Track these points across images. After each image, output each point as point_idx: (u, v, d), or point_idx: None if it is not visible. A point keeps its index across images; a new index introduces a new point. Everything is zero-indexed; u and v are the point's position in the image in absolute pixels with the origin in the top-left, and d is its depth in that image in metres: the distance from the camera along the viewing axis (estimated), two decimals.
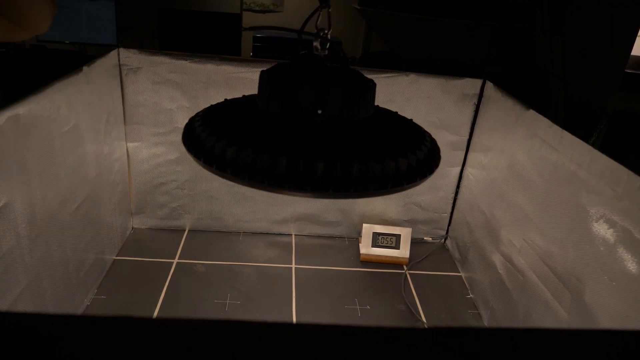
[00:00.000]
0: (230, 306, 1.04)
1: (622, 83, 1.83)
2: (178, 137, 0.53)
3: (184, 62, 1.10)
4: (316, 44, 0.53)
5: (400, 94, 1.16)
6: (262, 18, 3.01)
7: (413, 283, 1.18)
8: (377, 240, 1.24)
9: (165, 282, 1.09)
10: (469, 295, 1.16)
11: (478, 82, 1.16)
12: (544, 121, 0.90)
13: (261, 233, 1.32)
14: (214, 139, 0.46)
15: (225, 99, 0.57)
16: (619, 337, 0.21)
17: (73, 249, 0.92)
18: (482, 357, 0.19)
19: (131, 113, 1.14)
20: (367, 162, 0.44)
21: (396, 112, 0.60)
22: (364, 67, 1.04)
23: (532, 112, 0.94)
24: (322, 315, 1.05)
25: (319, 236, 1.33)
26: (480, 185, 1.16)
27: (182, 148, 0.49)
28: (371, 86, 0.53)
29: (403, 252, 1.24)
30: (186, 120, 0.53)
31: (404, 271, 1.22)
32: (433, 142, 0.54)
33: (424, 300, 1.12)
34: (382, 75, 1.13)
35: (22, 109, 0.71)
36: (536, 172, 0.91)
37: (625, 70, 1.84)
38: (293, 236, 1.32)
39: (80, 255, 0.96)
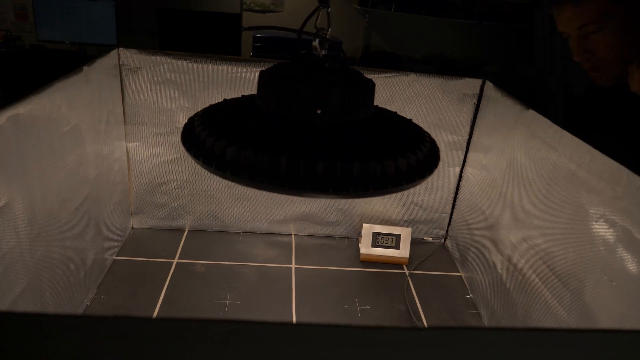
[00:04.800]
0: (230, 306, 1.04)
1: None
2: (178, 137, 0.53)
3: (184, 62, 1.10)
4: (315, 43, 0.53)
5: (400, 94, 1.16)
6: (262, 18, 3.01)
7: (413, 283, 1.18)
8: (377, 240, 1.24)
9: (165, 282, 1.09)
10: (469, 295, 1.16)
11: (478, 82, 1.16)
12: (544, 121, 0.90)
13: (261, 233, 1.32)
14: (214, 139, 0.46)
15: (225, 99, 0.57)
16: (619, 337, 0.21)
17: (73, 249, 0.92)
18: (482, 357, 0.19)
19: (131, 113, 1.14)
20: (367, 162, 0.44)
21: (395, 112, 0.60)
22: (364, 67, 1.04)
23: (532, 112, 0.94)
24: (322, 315, 1.05)
25: (319, 236, 1.33)
26: (480, 185, 1.16)
27: (182, 148, 0.49)
28: (371, 86, 0.53)
29: (403, 252, 1.24)
30: (186, 120, 0.53)
31: (404, 271, 1.22)
32: (432, 142, 0.54)
33: (424, 300, 1.12)
34: (382, 75, 1.13)
35: (22, 109, 0.71)
36: (536, 172, 0.91)
37: None
38: (293, 236, 1.32)
39: (80, 255, 0.96)
